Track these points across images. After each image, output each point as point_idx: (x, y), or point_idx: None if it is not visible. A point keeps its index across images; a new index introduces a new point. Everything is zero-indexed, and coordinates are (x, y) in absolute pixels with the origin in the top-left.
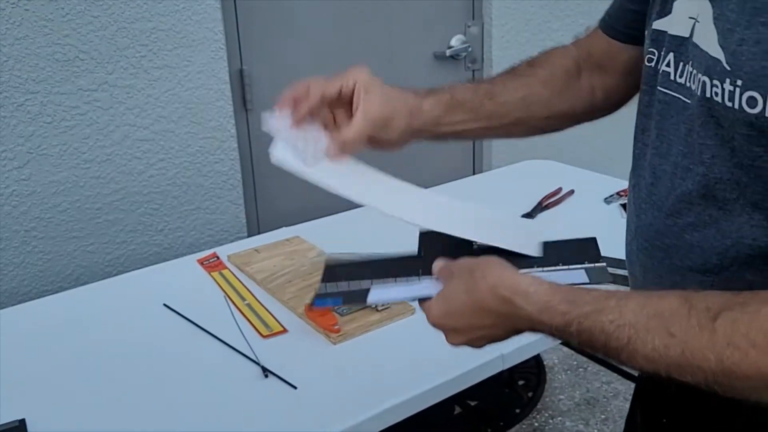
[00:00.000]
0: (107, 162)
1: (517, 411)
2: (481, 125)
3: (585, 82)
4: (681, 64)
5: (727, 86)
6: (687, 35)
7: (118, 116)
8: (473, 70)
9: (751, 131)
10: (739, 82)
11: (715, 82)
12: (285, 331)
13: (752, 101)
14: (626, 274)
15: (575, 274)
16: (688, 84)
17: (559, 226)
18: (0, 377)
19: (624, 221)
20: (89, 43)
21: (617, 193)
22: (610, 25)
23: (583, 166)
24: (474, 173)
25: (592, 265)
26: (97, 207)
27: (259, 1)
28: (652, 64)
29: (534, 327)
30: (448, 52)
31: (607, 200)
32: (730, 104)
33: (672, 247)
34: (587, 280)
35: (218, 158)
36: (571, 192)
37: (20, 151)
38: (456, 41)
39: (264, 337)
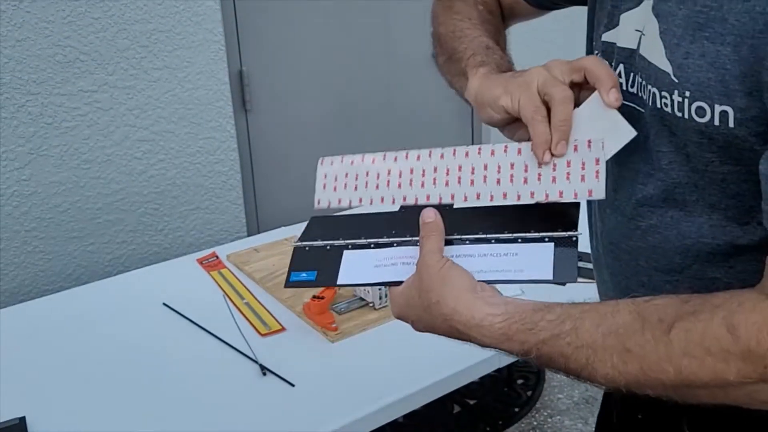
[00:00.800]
0: (107, 162)
1: (516, 410)
2: None
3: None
4: (631, 74)
5: (676, 97)
6: (635, 47)
7: (118, 117)
8: None
9: (702, 139)
10: (687, 93)
11: (664, 93)
12: (283, 329)
13: (701, 111)
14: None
15: (541, 249)
16: (639, 94)
17: None
18: (1, 376)
19: None
20: (90, 44)
21: None
22: None
23: None
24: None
25: (562, 234)
26: (97, 207)
27: (259, 2)
28: None
29: (490, 347)
30: None
31: None
32: (680, 114)
33: (637, 249)
34: (551, 258)
35: (218, 158)
36: None
37: (21, 151)
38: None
39: (262, 335)
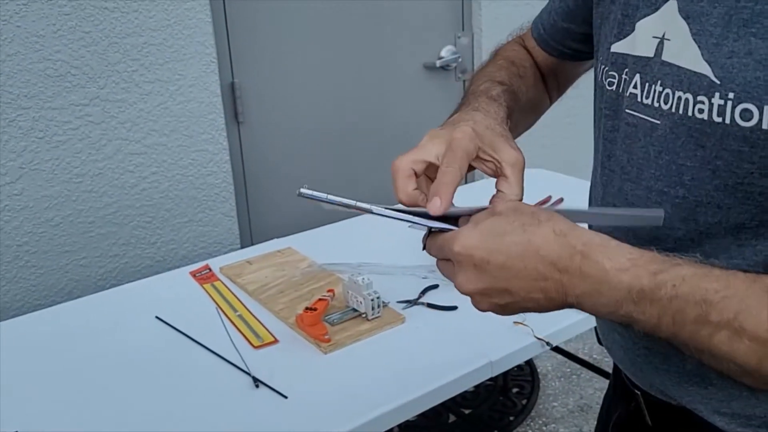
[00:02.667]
0: (99, 176)
1: (511, 418)
2: (513, 131)
3: (549, 83)
4: (647, 84)
5: (717, 100)
6: (652, 55)
7: (110, 130)
8: (463, 81)
9: (742, 146)
10: (730, 95)
11: (701, 98)
12: (276, 341)
13: (746, 114)
14: None
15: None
16: (656, 104)
17: None
18: None
19: None
20: (81, 58)
21: None
22: (544, 40)
23: (572, 174)
24: (465, 182)
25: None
26: (89, 221)
27: (250, 14)
28: (613, 87)
29: (599, 292)
30: (438, 63)
31: None
32: (719, 119)
33: None
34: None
35: (210, 171)
36: (561, 200)
37: (12, 166)
38: (446, 52)
39: (255, 347)
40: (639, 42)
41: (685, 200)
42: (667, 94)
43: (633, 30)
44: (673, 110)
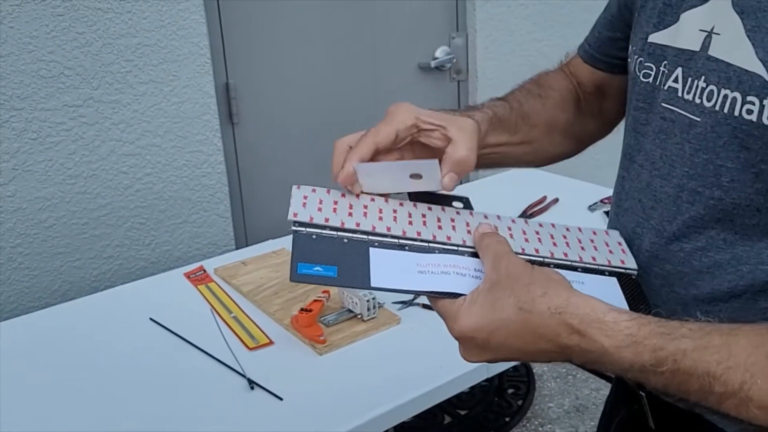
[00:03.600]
0: (93, 177)
1: (507, 419)
2: (514, 148)
3: (586, 108)
4: (690, 79)
5: None
6: (697, 49)
7: (103, 131)
8: (458, 81)
9: None
10: None
11: (751, 98)
12: (271, 343)
13: None
14: None
15: (605, 282)
16: (698, 100)
17: None
18: None
19: None
20: (74, 59)
21: (601, 201)
22: (591, 54)
23: (567, 174)
24: (461, 182)
25: (624, 269)
26: (83, 222)
27: (244, 15)
28: (650, 80)
29: (602, 363)
30: (432, 63)
31: (591, 208)
32: None
33: (674, 275)
34: (620, 292)
35: (205, 172)
36: (556, 200)
37: (5, 167)
38: (440, 52)
39: (250, 349)
40: (683, 34)
41: (721, 202)
42: (712, 90)
43: (676, 21)
44: (717, 108)
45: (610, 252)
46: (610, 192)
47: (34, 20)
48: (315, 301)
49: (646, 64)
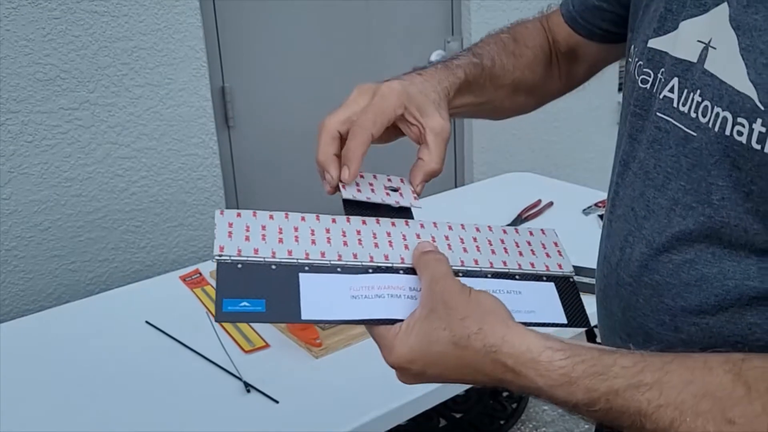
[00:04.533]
0: (89, 180)
1: (502, 422)
2: (476, 108)
3: (555, 69)
4: (686, 91)
5: (758, 127)
6: (695, 60)
7: (99, 134)
8: None
9: None
10: None
11: (741, 120)
12: (267, 345)
13: None
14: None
15: (542, 289)
16: (693, 114)
17: None
18: None
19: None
20: (70, 62)
21: (595, 204)
22: (573, 17)
23: (561, 178)
24: (456, 186)
25: (561, 273)
26: (78, 225)
27: (240, 18)
28: (647, 86)
29: (538, 396)
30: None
31: (586, 211)
32: (758, 147)
33: (663, 285)
34: (557, 298)
35: (200, 175)
36: (550, 204)
37: (1, 170)
38: (435, 56)
39: (246, 352)
40: (681, 43)
41: (711, 219)
42: (706, 106)
43: (676, 28)
44: (710, 126)
45: (548, 255)
46: (604, 195)
47: (31, 23)
48: None
49: (645, 69)
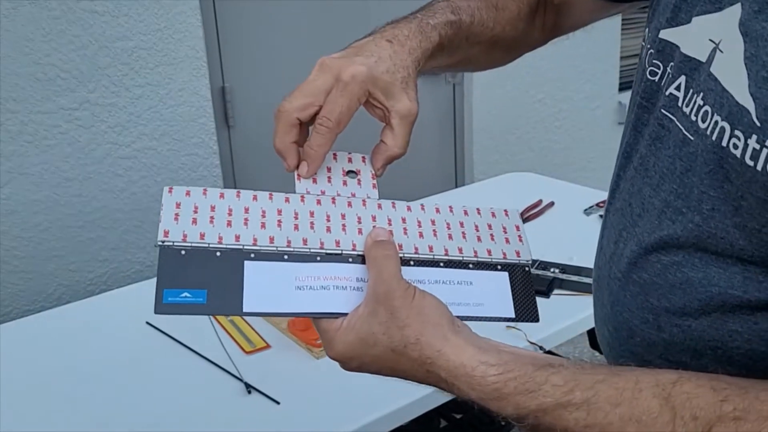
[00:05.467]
0: (89, 180)
1: (503, 423)
2: (449, 68)
3: (539, 20)
4: (691, 92)
5: (753, 143)
6: (703, 60)
7: (99, 134)
8: (453, 85)
9: None
10: None
11: (737, 133)
12: (268, 346)
13: None
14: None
15: (495, 279)
16: (693, 117)
17: (540, 238)
18: None
19: None
20: (70, 62)
21: (596, 204)
22: None
23: (562, 178)
24: (456, 186)
25: (517, 261)
26: (78, 225)
27: (240, 18)
28: (656, 78)
29: (471, 402)
30: None
31: (587, 211)
32: (751, 163)
33: (649, 284)
34: (509, 290)
35: (201, 175)
36: (551, 204)
37: (1, 170)
38: None
39: (247, 353)
40: (692, 39)
41: (699, 228)
42: (707, 112)
43: (689, 21)
44: (708, 132)
45: (507, 241)
46: (605, 196)
47: (30, 23)
48: None
49: (654, 60)
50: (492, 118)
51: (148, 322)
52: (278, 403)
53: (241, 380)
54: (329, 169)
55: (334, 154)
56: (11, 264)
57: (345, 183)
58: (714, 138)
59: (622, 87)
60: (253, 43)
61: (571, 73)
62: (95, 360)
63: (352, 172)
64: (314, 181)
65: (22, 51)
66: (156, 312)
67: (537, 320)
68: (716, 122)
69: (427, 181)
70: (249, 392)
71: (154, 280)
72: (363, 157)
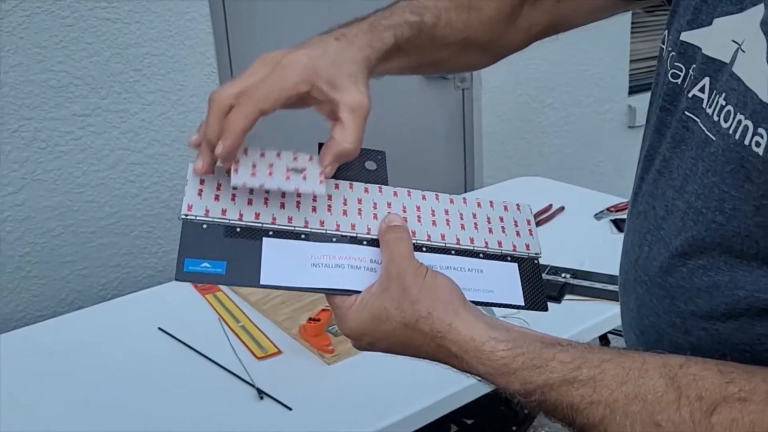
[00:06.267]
0: (101, 186)
1: (514, 428)
2: (412, 70)
3: (524, 19)
4: (714, 92)
5: None
6: (727, 61)
7: (111, 140)
8: (462, 89)
9: None
10: None
11: (760, 131)
12: (279, 352)
13: None
14: (616, 290)
15: (505, 269)
16: (716, 118)
17: (550, 243)
18: None
19: (615, 237)
20: (83, 69)
21: (607, 209)
22: None
23: (572, 182)
24: (465, 191)
25: (526, 254)
26: (91, 231)
27: (251, 24)
28: (678, 80)
29: (480, 377)
30: None
31: (597, 216)
32: None
33: (676, 288)
34: (518, 279)
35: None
36: (561, 209)
37: (15, 176)
38: None
39: (258, 358)
40: (715, 41)
41: (722, 227)
42: (729, 111)
43: (710, 23)
44: (731, 132)
45: (518, 234)
46: (616, 200)
47: (44, 30)
48: (323, 310)
49: (676, 63)
50: (501, 122)
51: (160, 328)
52: (290, 408)
53: (253, 386)
54: (271, 165)
55: (278, 153)
56: (25, 269)
57: (288, 178)
58: (737, 137)
59: (632, 90)
60: (263, 48)
61: (580, 77)
62: (107, 365)
63: (296, 170)
64: (253, 173)
65: (35, 58)
66: (176, 279)
67: (546, 309)
68: (739, 121)
69: (437, 185)
70: (261, 398)
71: (167, 285)
72: (310, 157)
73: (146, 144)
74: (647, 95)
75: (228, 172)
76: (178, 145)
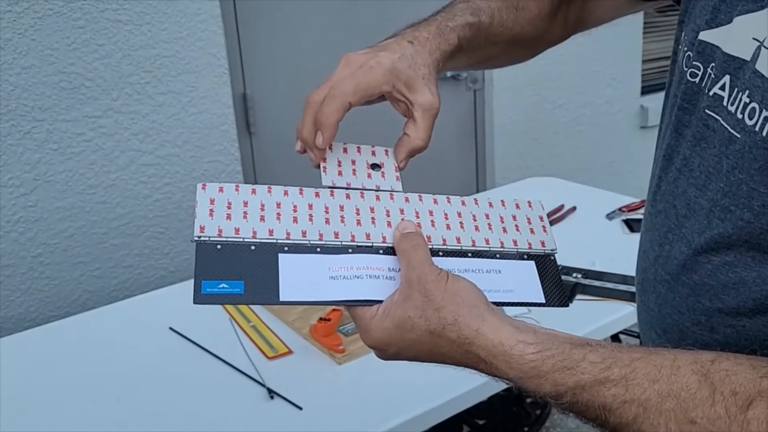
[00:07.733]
0: (113, 187)
1: (526, 429)
2: (468, 67)
3: (561, 16)
4: (736, 90)
5: None
6: (747, 59)
7: (123, 142)
8: (474, 90)
9: None
10: None
11: None
12: (290, 352)
13: None
14: (633, 290)
15: (523, 267)
16: (740, 115)
17: (562, 243)
18: (8, 403)
19: (627, 237)
20: (94, 71)
21: (619, 209)
22: None
23: (584, 182)
24: (477, 191)
25: (542, 251)
26: (103, 232)
27: (261, 26)
28: (696, 80)
29: (508, 384)
30: (449, 73)
31: (609, 216)
32: None
33: (700, 286)
34: (536, 277)
35: (223, 181)
36: (573, 209)
37: (27, 178)
38: None
39: (269, 358)
40: (735, 39)
41: (750, 224)
42: (754, 108)
43: (730, 21)
44: (757, 129)
45: (532, 232)
46: (628, 200)
47: (56, 33)
48: (333, 310)
49: (694, 62)
50: (513, 123)
51: (171, 328)
52: (301, 408)
53: (263, 386)
54: (354, 162)
55: (358, 148)
56: (37, 270)
57: (369, 176)
58: (764, 134)
59: (645, 91)
60: (275, 49)
61: (592, 78)
62: (119, 365)
63: (376, 165)
64: (340, 173)
65: (47, 60)
66: (195, 302)
67: (567, 305)
68: (765, 117)
69: (449, 186)
70: (272, 398)
71: (178, 285)
72: (386, 150)
73: (157, 145)
74: (660, 95)
75: (237, 189)
76: (189, 146)
